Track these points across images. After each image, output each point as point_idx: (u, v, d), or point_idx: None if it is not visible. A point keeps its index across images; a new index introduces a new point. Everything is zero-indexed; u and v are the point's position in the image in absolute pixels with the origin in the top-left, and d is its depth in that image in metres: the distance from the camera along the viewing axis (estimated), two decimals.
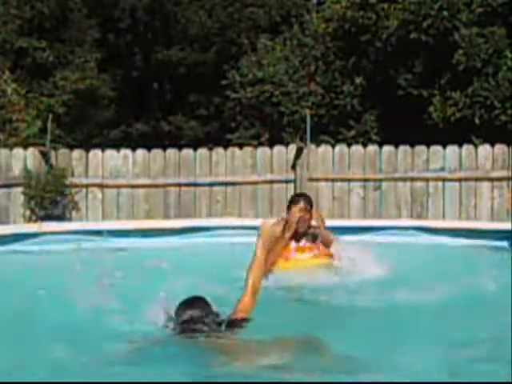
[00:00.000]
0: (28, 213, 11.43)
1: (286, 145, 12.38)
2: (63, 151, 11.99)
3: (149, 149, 11.98)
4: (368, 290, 5.79)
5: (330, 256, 6.36)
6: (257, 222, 5.25)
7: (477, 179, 11.73)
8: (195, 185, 11.81)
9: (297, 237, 6.32)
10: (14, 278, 6.62)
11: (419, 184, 11.77)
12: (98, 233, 8.50)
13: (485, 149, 11.84)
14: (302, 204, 6.35)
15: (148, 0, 22.16)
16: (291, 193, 11.76)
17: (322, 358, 3.96)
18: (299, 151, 11.83)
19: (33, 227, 9.33)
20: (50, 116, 12.29)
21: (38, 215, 11.33)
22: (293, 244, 6.32)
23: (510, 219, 11.18)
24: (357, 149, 12.01)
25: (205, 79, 20.67)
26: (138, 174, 11.83)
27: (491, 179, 11.72)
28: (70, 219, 11.52)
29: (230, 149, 12.10)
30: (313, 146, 12.03)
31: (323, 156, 11.90)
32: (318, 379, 3.83)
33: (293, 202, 6.44)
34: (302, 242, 6.36)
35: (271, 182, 11.85)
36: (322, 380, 3.85)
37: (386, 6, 13.82)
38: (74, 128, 17.22)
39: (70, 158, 11.81)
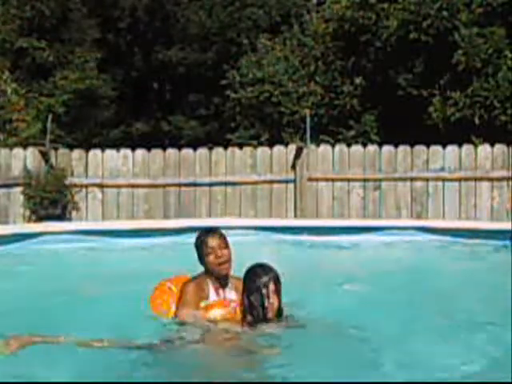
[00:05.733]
0: (28, 213, 11.43)
1: (286, 145, 12.37)
2: (63, 151, 12.00)
3: (149, 149, 11.99)
4: None
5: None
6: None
7: (477, 179, 11.73)
8: (195, 185, 11.81)
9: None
10: None
11: (419, 184, 11.77)
12: None
13: (485, 149, 11.84)
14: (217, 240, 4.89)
15: (148, 0, 22.15)
16: (291, 193, 11.80)
17: None
18: (299, 151, 11.83)
19: None
20: (50, 116, 12.30)
21: (38, 215, 11.33)
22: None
23: (510, 219, 11.19)
24: (357, 149, 12.01)
25: (205, 79, 20.68)
26: (138, 173, 11.83)
27: (491, 179, 11.72)
28: (70, 219, 11.52)
29: (230, 149, 12.10)
30: (313, 146, 12.03)
31: (323, 156, 11.90)
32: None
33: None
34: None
35: (271, 181, 11.85)
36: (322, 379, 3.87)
37: (385, 6, 13.82)
38: (74, 128, 17.22)
39: (70, 158, 11.82)
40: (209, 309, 4.79)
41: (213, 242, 4.84)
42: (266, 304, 4.57)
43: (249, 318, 4.63)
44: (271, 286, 4.59)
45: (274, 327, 4.55)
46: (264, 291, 4.57)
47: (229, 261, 4.86)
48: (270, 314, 4.58)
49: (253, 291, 4.60)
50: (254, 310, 4.60)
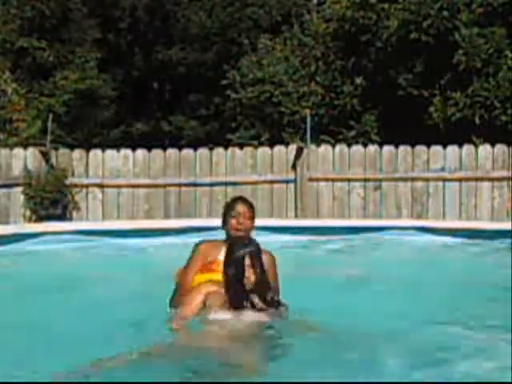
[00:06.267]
0: (28, 213, 11.43)
1: (286, 145, 12.38)
2: (63, 151, 12.00)
3: (149, 149, 11.99)
4: None
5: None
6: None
7: (477, 179, 11.74)
8: (195, 185, 11.81)
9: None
10: None
11: (419, 184, 11.77)
12: None
13: (485, 149, 11.85)
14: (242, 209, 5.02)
15: (148, 0, 22.15)
16: (292, 193, 11.80)
17: None
18: (299, 151, 11.83)
19: None
20: (50, 116, 12.29)
21: (38, 215, 11.33)
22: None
23: (510, 219, 11.19)
24: (357, 149, 12.01)
25: (205, 79, 20.68)
26: (138, 173, 11.84)
27: (491, 179, 11.72)
28: (70, 219, 11.53)
29: (231, 149, 12.10)
30: (313, 146, 12.03)
31: (323, 156, 11.90)
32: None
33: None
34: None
35: (271, 182, 11.85)
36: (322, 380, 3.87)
37: (386, 6, 13.83)
38: (74, 128, 17.22)
39: (71, 158, 11.82)
40: (209, 264, 4.87)
41: (240, 208, 4.98)
42: (242, 278, 4.46)
43: (229, 292, 4.52)
44: (247, 261, 4.49)
45: (257, 316, 4.43)
46: (239, 265, 4.48)
47: (247, 231, 4.94)
48: (247, 287, 4.46)
49: (229, 264, 4.53)
50: (230, 283, 4.51)
